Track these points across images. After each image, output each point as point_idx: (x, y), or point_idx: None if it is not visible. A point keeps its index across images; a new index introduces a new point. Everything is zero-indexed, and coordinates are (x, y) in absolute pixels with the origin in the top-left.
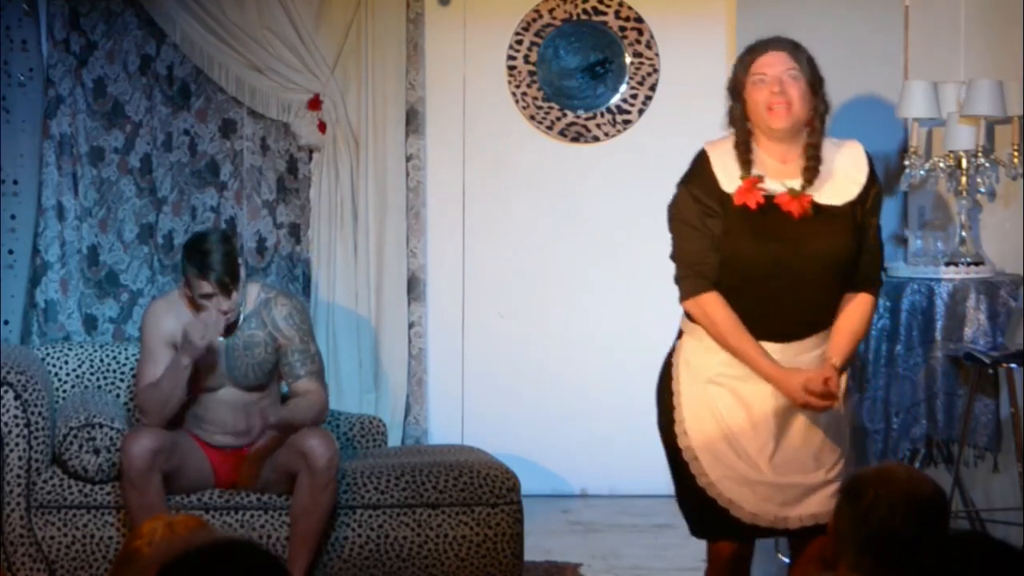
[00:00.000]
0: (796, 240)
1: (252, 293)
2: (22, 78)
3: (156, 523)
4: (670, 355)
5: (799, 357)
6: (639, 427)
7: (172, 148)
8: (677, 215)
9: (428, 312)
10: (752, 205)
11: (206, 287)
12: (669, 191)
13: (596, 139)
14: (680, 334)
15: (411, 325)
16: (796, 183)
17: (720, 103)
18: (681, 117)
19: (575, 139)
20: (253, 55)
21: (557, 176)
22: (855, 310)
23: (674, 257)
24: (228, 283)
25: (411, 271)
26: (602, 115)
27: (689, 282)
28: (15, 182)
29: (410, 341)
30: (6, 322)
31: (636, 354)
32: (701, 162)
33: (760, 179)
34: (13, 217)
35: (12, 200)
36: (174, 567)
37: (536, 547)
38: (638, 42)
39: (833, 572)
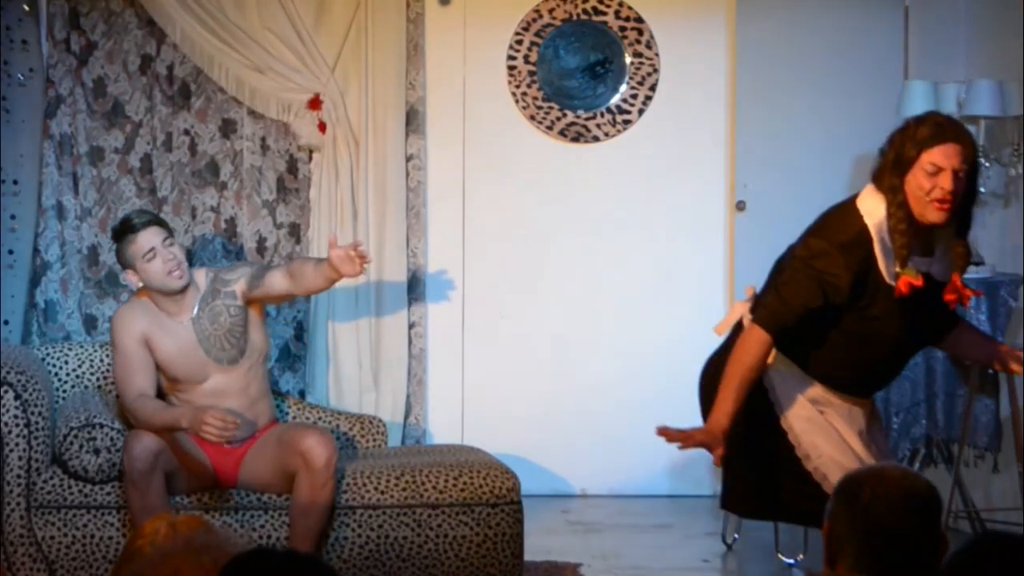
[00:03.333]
0: (927, 320)
1: (200, 277)
2: (22, 78)
3: (158, 523)
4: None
5: (857, 408)
6: (639, 427)
7: (172, 148)
8: (810, 264)
9: (428, 312)
10: (907, 293)
11: (146, 241)
12: (669, 191)
13: (596, 139)
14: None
15: (411, 325)
16: (924, 262)
17: (720, 104)
18: (681, 117)
19: (575, 139)
20: (253, 55)
21: (557, 176)
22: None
23: (777, 289)
24: (163, 223)
25: (411, 271)
26: (602, 115)
27: (771, 315)
28: (15, 182)
29: (410, 341)
30: (6, 322)
31: (636, 354)
32: (863, 241)
33: (921, 273)
34: (13, 217)
35: (12, 200)
36: (236, 568)
37: (536, 547)
38: (638, 42)
39: (831, 573)
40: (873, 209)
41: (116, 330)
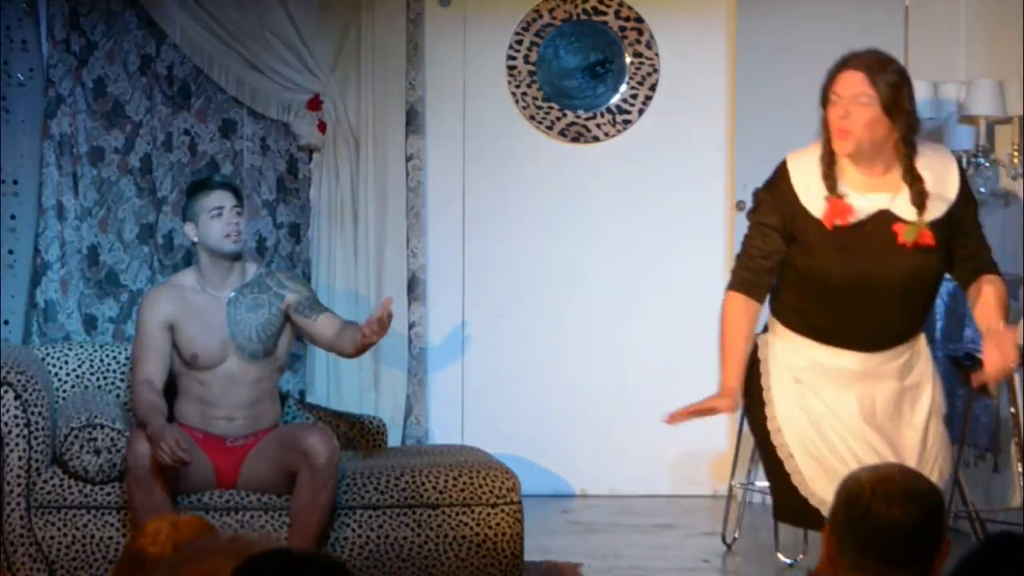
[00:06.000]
0: (884, 259)
1: (250, 268)
2: (22, 78)
3: (161, 523)
4: (755, 351)
5: (884, 366)
6: (639, 427)
7: (172, 148)
8: (755, 214)
9: (428, 312)
10: (843, 223)
11: (218, 199)
12: (669, 191)
13: (596, 139)
14: (766, 328)
15: (411, 325)
16: (883, 198)
17: (720, 104)
18: (681, 117)
19: (575, 139)
20: (253, 55)
21: (557, 176)
22: (988, 286)
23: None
24: (238, 193)
25: (411, 271)
26: (602, 115)
27: (734, 275)
28: (15, 182)
29: (410, 341)
30: (6, 322)
31: (636, 353)
32: (781, 174)
33: (844, 197)
34: (13, 217)
35: (12, 200)
36: (250, 569)
37: (536, 547)
38: (638, 42)
39: (831, 572)
40: (800, 154)
41: (142, 311)
